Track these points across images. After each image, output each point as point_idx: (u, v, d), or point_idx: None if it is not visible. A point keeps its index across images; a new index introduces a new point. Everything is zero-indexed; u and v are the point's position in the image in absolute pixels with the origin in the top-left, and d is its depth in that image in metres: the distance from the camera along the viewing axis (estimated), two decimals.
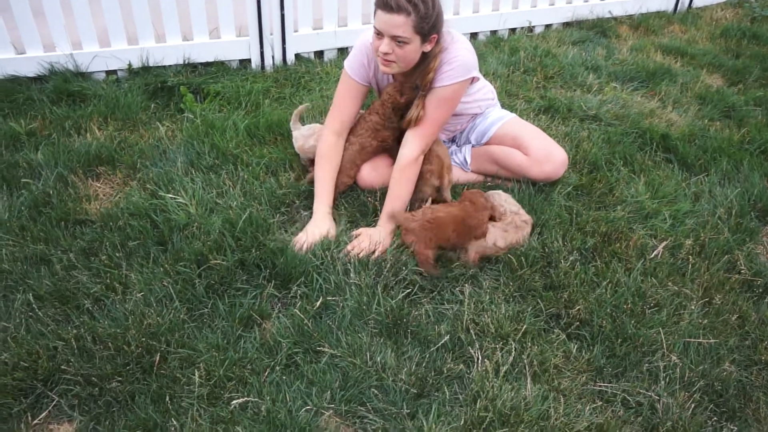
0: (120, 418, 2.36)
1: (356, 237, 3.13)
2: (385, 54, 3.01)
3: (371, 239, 3.07)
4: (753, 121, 4.68)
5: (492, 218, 3.20)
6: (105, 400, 2.41)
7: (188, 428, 2.32)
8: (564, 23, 6.51)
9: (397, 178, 3.23)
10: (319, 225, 3.16)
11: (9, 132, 3.91)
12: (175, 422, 2.34)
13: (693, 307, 2.94)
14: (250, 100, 4.39)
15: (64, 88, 4.37)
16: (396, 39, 2.95)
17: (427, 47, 3.06)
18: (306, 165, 3.63)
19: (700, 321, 2.88)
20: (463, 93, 3.32)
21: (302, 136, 3.57)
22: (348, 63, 3.35)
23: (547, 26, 6.44)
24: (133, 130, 4.05)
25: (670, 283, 3.06)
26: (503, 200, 3.26)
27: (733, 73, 5.63)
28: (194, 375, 2.48)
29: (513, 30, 6.23)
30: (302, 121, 3.82)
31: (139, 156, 3.74)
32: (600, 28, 6.42)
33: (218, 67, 4.90)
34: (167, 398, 2.41)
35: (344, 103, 3.39)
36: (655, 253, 3.23)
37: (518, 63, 5.31)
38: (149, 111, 4.27)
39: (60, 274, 2.88)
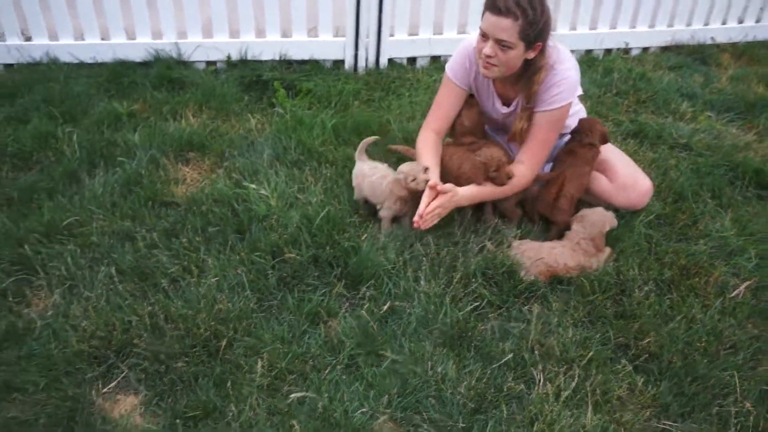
0: (182, 397, 2.45)
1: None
2: (488, 57, 2.99)
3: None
4: None
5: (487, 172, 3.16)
6: (170, 378, 2.51)
7: (245, 415, 2.39)
8: (662, 47, 6.29)
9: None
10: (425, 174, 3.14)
11: (112, 112, 4.13)
12: (233, 408, 2.41)
13: None
14: (340, 100, 4.47)
15: (167, 75, 4.58)
16: (500, 43, 2.93)
17: (531, 54, 3.02)
18: (358, 201, 3.40)
19: None
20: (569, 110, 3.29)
21: (362, 173, 3.32)
22: (449, 66, 3.36)
23: (645, 49, 6.24)
24: (225, 120, 4.20)
25: (749, 326, 2.93)
26: (600, 220, 3.20)
27: None
28: (257, 364, 2.55)
29: (609, 51, 6.09)
30: (368, 154, 3.57)
31: (228, 145, 3.87)
32: (700, 55, 6.17)
33: (312, 65, 5.02)
34: (229, 384, 2.48)
35: (445, 106, 3.40)
36: (736, 292, 3.10)
37: (611, 84, 5.19)
38: (242, 103, 4.42)
39: (142, 251, 3.01)
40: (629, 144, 4.26)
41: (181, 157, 3.77)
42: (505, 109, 3.36)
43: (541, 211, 3.42)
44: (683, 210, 3.62)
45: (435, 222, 3.08)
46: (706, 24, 6.41)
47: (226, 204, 3.32)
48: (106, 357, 2.57)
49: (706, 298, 3.05)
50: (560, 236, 3.26)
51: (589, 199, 3.53)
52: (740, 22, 6.61)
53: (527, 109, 3.20)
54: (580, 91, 3.21)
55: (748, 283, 3.15)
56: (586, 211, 3.25)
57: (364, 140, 3.45)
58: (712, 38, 6.40)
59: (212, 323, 2.69)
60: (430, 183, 3.06)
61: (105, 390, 2.48)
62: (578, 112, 3.60)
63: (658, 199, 3.68)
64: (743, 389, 2.61)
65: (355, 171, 3.37)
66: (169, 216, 3.27)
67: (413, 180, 3.06)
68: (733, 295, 3.08)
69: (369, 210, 3.37)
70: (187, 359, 2.58)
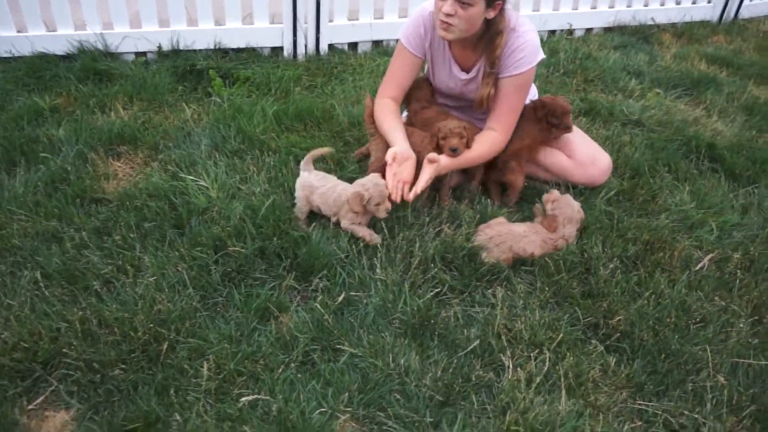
0: (120, 409, 2.21)
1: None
2: (448, 16, 2.86)
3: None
4: None
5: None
6: (106, 389, 2.26)
7: (192, 424, 2.17)
8: (605, 28, 6.29)
9: (477, 144, 3.12)
10: (401, 151, 3.00)
11: (32, 107, 3.81)
12: (178, 417, 2.18)
13: (742, 325, 2.72)
14: (280, 86, 4.25)
15: (92, 67, 4.27)
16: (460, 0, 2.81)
17: (491, 13, 2.92)
18: (300, 217, 3.05)
19: (750, 341, 2.66)
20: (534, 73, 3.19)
21: (309, 185, 3.01)
22: (403, 33, 3.22)
23: (588, 30, 6.23)
24: (158, 111, 3.93)
25: (716, 298, 2.84)
26: (570, 209, 3.06)
27: None
28: (203, 367, 2.33)
29: (552, 32, 6.03)
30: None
31: (162, 137, 3.61)
32: (642, 35, 6.20)
33: (249, 53, 4.78)
34: (172, 390, 2.26)
35: (399, 75, 3.27)
36: (700, 265, 3.02)
37: (558, 65, 5.12)
38: (176, 93, 4.15)
39: (71, 252, 2.74)
40: (581, 122, 4.17)
41: (111, 151, 3.49)
42: (464, 75, 3.23)
43: (495, 179, 3.34)
44: (641, 185, 3.54)
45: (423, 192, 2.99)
46: (646, 5, 6.45)
47: (162, 198, 3.07)
48: (32, 370, 2.29)
49: (671, 272, 2.96)
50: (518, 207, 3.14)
51: (546, 176, 3.41)
52: (678, 3, 6.68)
53: (491, 74, 3.10)
54: (542, 55, 3.09)
55: (711, 255, 3.08)
56: (565, 196, 3.14)
57: (313, 151, 3.16)
58: (653, 18, 6.45)
59: (151, 325, 2.45)
60: (428, 156, 2.94)
61: (30, 407, 2.21)
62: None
63: (615, 175, 3.59)
64: (715, 363, 2.52)
65: (300, 182, 3.05)
66: (99, 213, 3.00)
67: (377, 205, 2.89)
68: (698, 268, 3.00)
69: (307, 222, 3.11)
70: (124, 366, 2.33)
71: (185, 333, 2.46)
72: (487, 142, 3.14)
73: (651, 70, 5.28)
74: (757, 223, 3.40)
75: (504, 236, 2.88)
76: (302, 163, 3.11)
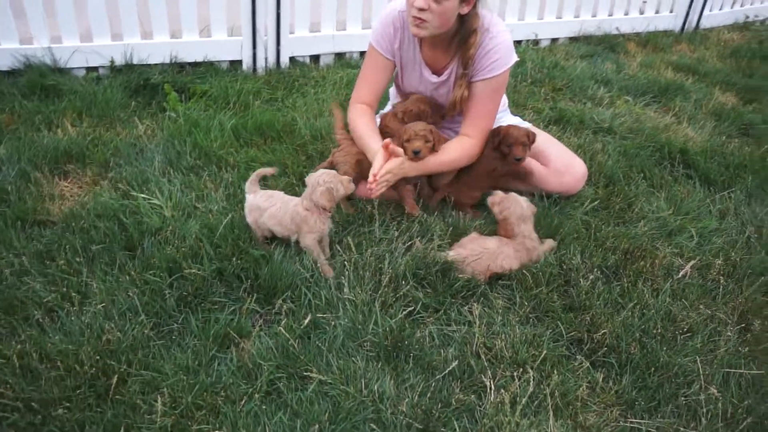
0: None
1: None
2: (420, 10, 2.73)
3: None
4: None
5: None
6: (48, 431, 2.03)
7: None
8: (570, 38, 6.26)
9: (450, 149, 3.01)
10: (376, 153, 2.89)
11: None
12: None
13: (729, 334, 2.61)
14: (239, 100, 4.06)
15: (39, 83, 4.01)
16: None
17: (465, 9, 2.80)
18: (260, 240, 2.84)
19: (739, 349, 2.55)
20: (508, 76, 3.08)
21: (257, 207, 2.78)
22: (373, 35, 3.08)
23: (554, 40, 6.20)
24: (109, 128, 3.70)
25: (701, 306, 2.72)
26: (519, 207, 2.88)
27: (747, 92, 5.40)
28: (157, 402, 2.11)
29: (518, 42, 5.96)
30: (262, 185, 2.97)
31: (113, 154, 3.38)
32: (608, 44, 6.20)
33: (207, 67, 4.58)
34: (123, 429, 2.04)
35: (372, 79, 3.14)
36: (682, 272, 2.90)
37: (525, 74, 5.02)
38: (129, 109, 3.92)
39: (9, 280, 2.51)
40: (552, 130, 4.06)
41: (57, 170, 3.26)
42: (435, 78, 3.09)
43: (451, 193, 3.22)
44: (617, 193, 3.44)
45: (383, 190, 2.83)
46: (611, 14, 6.45)
47: (111, 218, 2.85)
48: None
49: (654, 281, 2.83)
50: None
51: (520, 185, 3.27)
52: (641, 13, 6.71)
53: (464, 75, 2.97)
54: (516, 57, 2.97)
55: (692, 262, 2.96)
56: (511, 195, 2.95)
57: (257, 172, 2.88)
58: (617, 28, 6.46)
59: (99, 358, 2.23)
60: (384, 142, 2.82)
61: None
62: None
63: (589, 183, 3.48)
64: (706, 374, 2.39)
65: (247, 207, 2.81)
66: (42, 237, 2.77)
67: (339, 190, 2.72)
68: (680, 275, 2.88)
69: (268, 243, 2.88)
70: (69, 405, 2.11)
71: (137, 365, 2.25)
72: (460, 149, 3.01)
73: (619, 78, 5.23)
74: (735, 227, 3.31)
75: (479, 255, 2.71)
76: (246, 185, 2.85)
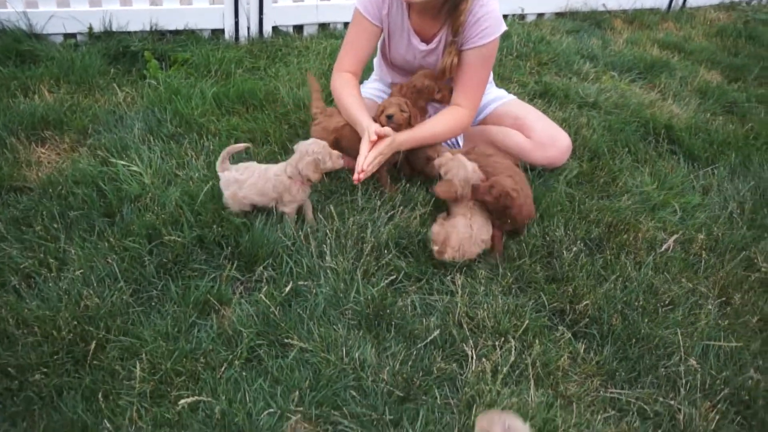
0: (41, 419, 1.97)
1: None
2: None
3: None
4: (756, 118, 4.40)
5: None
6: (25, 396, 2.01)
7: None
8: (557, 13, 6.21)
9: (442, 120, 3.00)
10: (365, 129, 2.80)
11: None
12: (109, 425, 1.95)
13: (710, 307, 2.62)
14: (220, 68, 3.98)
15: (14, 48, 3.91)
16: None
17: None
18: (236, 213, 2.73)
19: (719, 322, 2.57)
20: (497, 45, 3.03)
21: (235, 181, 2.69)
22: (360, 1, 3.00)
23: (540, 15, 6.13)
24: (87, 95, 3.62)
25: (683, 280, 2.73)
26: (464, 170, 2.74)
27: (732, 70, 5.37)
28: (136, 368, 2.09)
29: (505, 16, 5.87)
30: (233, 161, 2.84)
31: (92, 121, 3.31)
32: (593, 20, 6.13)
33: (188, 35, 4.47)
34: (101, 395, 2.02)
35: (357, 45, 3.05)
36: (665, 246, 2.90)
37: (511, 48, 4.97)
38: (108, 76, 3.84)
39: None
40: (537, 104, 4.03)
41: (34, 136, 3.19)
42: (424, 46, 3.05)
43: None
44: (601, 167, 3.42)
45: (375, 169, 2.76)
46: None
47: (90, 184, 2.80)
48: None
49: (637, 254, 2.84)
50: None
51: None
52: None
53: (453, 43, 2.93)
54: (504, 26, 2.93)
55: (675, 236, 2.97)
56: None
57: (227, 150, 2.75)
58: (604, 5, 6.40)
59: (77, 324, 2.20)
60: (376, 131, 2.73)
61: None
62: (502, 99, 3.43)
63: (574, 157, 3.45)
64: (686, 346, 2.41)
65: (223, 183, 2.71)
66: (19, 203, 2.71)
67: (326, 163, 2.67)
68: (662, 249, 2.89)
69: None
70: (46, 370, 2.08)
71: (116, 331, 2.22)
72: (452, 119, 2.98)
73: (605, 54, 5.19)
74: (718, 203, 3.32)
75: (459, 241, 2.60)
76: (217, 164, 2.74)
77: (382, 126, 2.79)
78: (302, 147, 2.66)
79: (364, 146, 2.72)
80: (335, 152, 2.70)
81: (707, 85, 4.90)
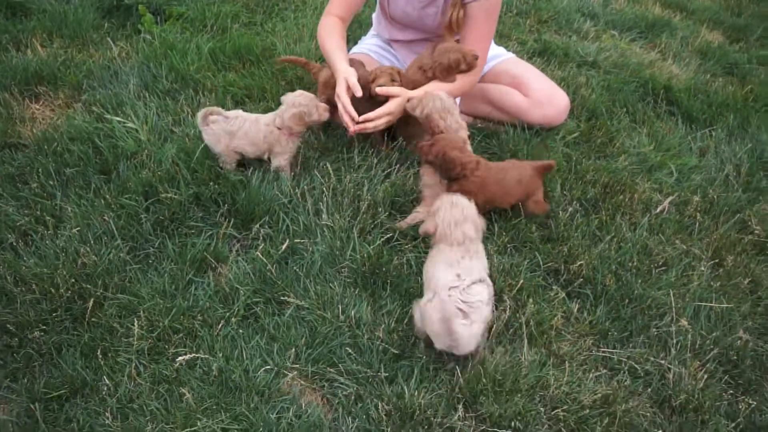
0: (41, 374, 2.01)
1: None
2: None
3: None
4: (756, 80, 4.36)
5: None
6: (25, 353, 2.05)
7: (124, 388, 1.97)
8: None
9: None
10: (339, 73, 2.75)
11: None
12: (108, 381, 1.99)
13: (703, 269, 2.64)
14: (216, 23, 3.92)
15: (4, 0, 3.85)
16: None
17: None
18: (231, 169, 2.73)
19: (711, 284, 2.59)
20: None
21: (225, 132, 2.65)
22: None
23: None
24: (81, 49, 3.57)
25: (677, 241, 2.75)
26: (439, 101, 2.68)
27: (734, 31, 5.30)
28: (134, 325, 2.11)
29: None
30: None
31: (86, 76, 3.28)
32: None
33: None
34: (100, 352, 2.05)
35: None
36: (660, 208, 2.91)
37: (510, 5, 4.89)
38: (102, 30, 3.78)
39: None
40: (536, 62, 3.98)
41: (28, 91, 3.16)
42: None
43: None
44: (599, 127, 3.40)
45: (382, 128, 2.76)
46: None
47: (85, 141, 2.79)
48: None
49: (632, 215, 2.84)
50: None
51: (501, 116, 3.23)
52: None
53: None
54: None
55: (671, 198, 2.97)
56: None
57: (204, 110, 2.67)
58: None
59: (75, 281, 2.23)
60: (379, 90, 2.72)
61: None
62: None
63: (571, 117, 3.43)
64: (678, 307, 2.43)
65: (211, 137, 2.66)
66: (14, 160, 2.71)
67: (311, 115, 2.67)
68: (658, 210, 2.89)
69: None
70: (45, 327, 2.12)
71: (113, 288, 2.24)
72: (462, 75, 2.93)
73: (605, 13, 5.11)
74: (714, 165, 3.31)
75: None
76: (198, 122, 2.69)
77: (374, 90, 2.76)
78: (289, 99, 2.66)
79: (341, 92, 2.68)
80: (322, 105, 2.70)
81: (708, 45, 4.84)
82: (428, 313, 2.02)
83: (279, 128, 2.63)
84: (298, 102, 2.62)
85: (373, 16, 3.46)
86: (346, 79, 2.68)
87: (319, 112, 2.68)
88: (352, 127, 2.65)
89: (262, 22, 4.10)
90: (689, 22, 5.34)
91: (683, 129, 3.61)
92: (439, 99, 2.65)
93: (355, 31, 3.97)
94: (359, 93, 2.66)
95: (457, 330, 1.95)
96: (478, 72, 3.01)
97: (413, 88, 2.83)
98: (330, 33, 2.92)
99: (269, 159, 2.72)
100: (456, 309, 1.98)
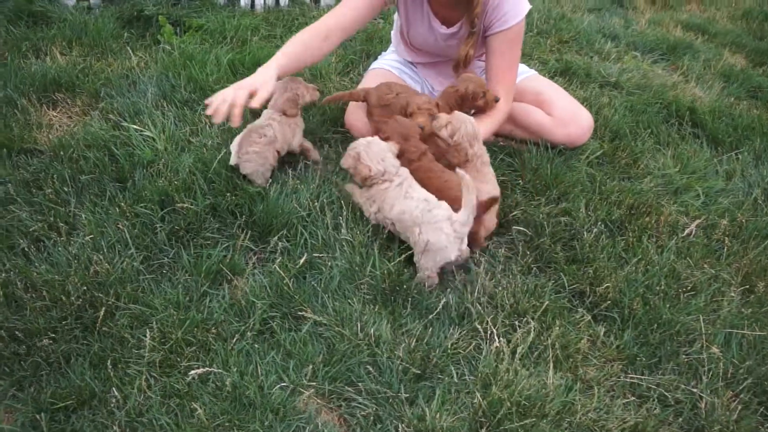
0: (48, 384, 1.93)
1: None
2: None
3: None
4: None
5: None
6: (32, 361, 1.98)
7: (133, 401, 1.89)
8: None
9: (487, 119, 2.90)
10: (257, 74, 2.60)
11: None
12: (117, 393, 1.91)
13: (733, 295, 2.55)
14: (236, 35, 3.90)
15: (26, 9, 3.85)
16: None
17: None
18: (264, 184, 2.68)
19: (742, 310, 2.49)
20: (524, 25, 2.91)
21: (268, 145, 2.66)
22: None
23: None
24: (100, 58, 3.55)
25: (706, 266, 2.66)
26: (470, 125, 2.64)
27: (757, 54, 5.25)
28: (146, 336, 2.04)
29: None
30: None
31: (104, 84, 3.25)
32: None
33: (203, 2, 4.38)
34: (110, 363, 1.98)
35: (352, 5, 2.81)
36: (687, 231, 2.83)
37: (531, 24, 4.87)
38: (121, 40, 3.77)
39: None
40: (558, 82, 3.92)
41: (46, 98, 3.13)
42: (445, 30, 2.95)
43: None
44: (623, 148, 3.33)
45: None
46: None
47: (102, 148, 2.74)
48: None
49: (659, 238, 2.76)
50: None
51: (523, 134, 3.17)
52: None
53: (473, 35, 2.83)
54: (528, 6, 2.83)
55: (698, 221, 2.89)
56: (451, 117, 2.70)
57: (246, 132, 2.68)
58: None
59: (86, 289, 2.16)
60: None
61: None
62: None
63: (594, 137, 3.36)
64: (708, 333, 2.34)
65: (258, 160, 2.64)
66: (29, 165, 2.67)
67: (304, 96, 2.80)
68: (685, 234, 2.81)
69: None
70: (54, 335, 2.05)
71: (126, 298, 2.17)
72: (493, 114, 2.91)
73: (627, 34, 5.08)
74: (742, 189, 3.23)
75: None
76: (236, 149, 2.63)
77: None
78: (280, 85, 2.74)
79: (242, 84, 2.54)
80: (311, 86, 2.80)
81: (731, 69, 4.78)
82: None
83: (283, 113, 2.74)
84: (290, 87, 2.73)
85: (392, 33, 3.41)
86: (258, 88, 2.52)
87: (310, 92, 2.79)
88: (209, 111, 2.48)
89: (281, 35, 4.07)
90: (711, 45, 5.31)
91: (708, 152, 3.54)
92: (470, 123, 2.61)
93: (375, 46, 3.94)
94: (236, 121, 2.47)
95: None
96: (505, 104, 2.95)
97: None
98: (303, 32, 2.79)
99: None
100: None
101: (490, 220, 2.54)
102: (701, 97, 4.19)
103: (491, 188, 2.58)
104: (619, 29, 5.14)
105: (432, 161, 2.59)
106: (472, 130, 2.60)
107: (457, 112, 2.68)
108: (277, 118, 2.71)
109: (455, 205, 2.34)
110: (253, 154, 2.61)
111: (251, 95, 2.48)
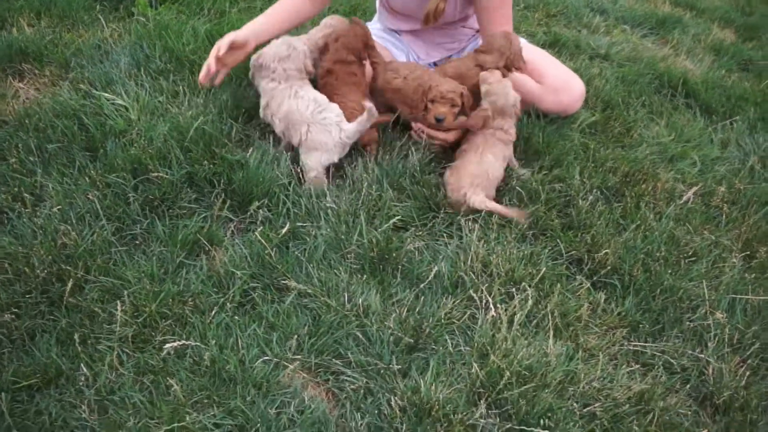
0: (11, 361, 1.80)
1: None
2: None
3: None
4: None
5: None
6: None
7: (104, 378, 1.76)
8: None
9: None
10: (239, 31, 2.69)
11: None
12: (86, 370, 1.78)
13: (734, 260, 2.46)
14: (213, 6, 3.73)
15: None
16: None
17: None
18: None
19: (745, 276, 2.40)
20: None
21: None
22: None
23: None
24: (70, 30, 3.37)
25: (705, 232, 2.57)
26: (506, 99, 2.59)
27: (746, 30, 5.17)
28: (117, 310, 1.90)
29: None
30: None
31: (74, 54, 3.07)
32: None
33: None
34: (78, 338, 1.84)
35: None
36: (685, 198, 2.73)
37: None
38: (93, 12, 3.57)
39: None
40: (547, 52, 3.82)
41: (11, 69, 2.96)
42: None
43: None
44: (615, 117, 3.22)
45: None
46: None
47: (71, 117, 2.58)
48: None
49: (656, 205, 2.66)
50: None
51: None
52: None
53: None
54: None
55: (695, 188, 2.79)
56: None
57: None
58: None
59: (53, 262, 2.02)
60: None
61: None
62: None
63: (586, 107, 3.25)
64: (711, 299, 2.25)
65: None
66: None
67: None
68: (683, 200, 2.71)
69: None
70: (17, 311, 1.91)
71: (96, 271, 2.04)
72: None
73: (615, 9, 4.97)
74: (738, 157, 3.15)
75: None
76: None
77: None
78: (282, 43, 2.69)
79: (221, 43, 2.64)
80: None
81: (721, 43, 4.70)
82: None
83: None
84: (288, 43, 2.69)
85: (377, 3, 3.29)
86: (232, 41, 2.63)
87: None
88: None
89: (262, 7, 3.91)
90: (699, 20, 5.21)
91: (702, 121, 3.46)
92: (505, 98, 2.56)
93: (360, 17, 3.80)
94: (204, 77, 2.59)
95: None
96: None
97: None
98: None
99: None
100: None
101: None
102: (692, 70, 4.09)
103: (496, 166, 2.50)
104: (607, 4, 5.03)
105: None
106: (505, 105, 2.54)
107: (509, 82, 2.61)
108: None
109: None
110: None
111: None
